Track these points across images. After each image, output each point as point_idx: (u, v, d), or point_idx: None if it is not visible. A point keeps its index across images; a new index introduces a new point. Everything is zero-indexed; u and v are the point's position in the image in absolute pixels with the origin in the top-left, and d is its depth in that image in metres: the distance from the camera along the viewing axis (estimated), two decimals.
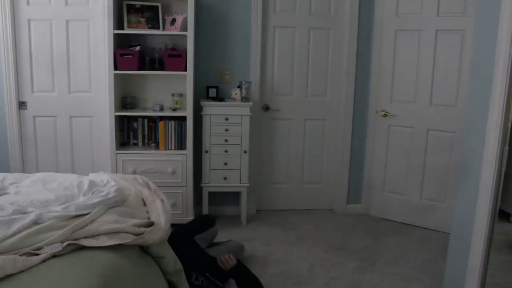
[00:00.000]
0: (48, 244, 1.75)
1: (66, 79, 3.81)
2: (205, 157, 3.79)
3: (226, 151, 3.78)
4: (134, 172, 3.59)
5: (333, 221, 4.09)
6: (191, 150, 3.71)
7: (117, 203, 2.21)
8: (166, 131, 3.73)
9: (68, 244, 1.78)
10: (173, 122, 3.71)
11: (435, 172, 3.86)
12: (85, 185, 2.32)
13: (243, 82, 3.78)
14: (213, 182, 3.83)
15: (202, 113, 3.72)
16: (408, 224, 4.03)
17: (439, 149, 3.82)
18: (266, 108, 4.11)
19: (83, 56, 3.78)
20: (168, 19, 3.63)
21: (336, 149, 4.24)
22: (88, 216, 1.97)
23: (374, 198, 4.23)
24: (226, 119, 3.73)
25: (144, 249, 2.09)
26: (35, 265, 1.64)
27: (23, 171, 3.80)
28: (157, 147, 3.73)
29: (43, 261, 1.67)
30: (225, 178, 3.82)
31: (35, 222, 1.83)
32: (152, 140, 3.78)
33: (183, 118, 3.70)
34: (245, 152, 3.79)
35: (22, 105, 3.81)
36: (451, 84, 3.70)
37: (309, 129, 4.21)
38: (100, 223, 1.95)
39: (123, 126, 3.81)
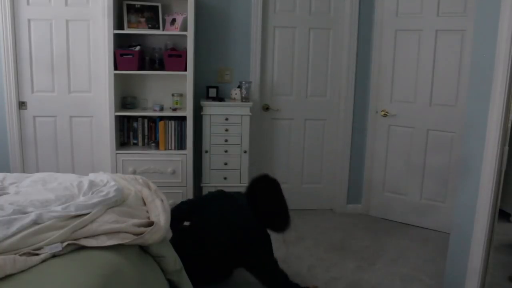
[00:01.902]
0: (48, 244, 1.75)
1: (66, 79, 3.81)
2: (205, 157, 3.79)
3: (226, 151, 3.78)
4: (134, 172, 3.60)
5: (333, 221, 4.09)
6: (191, 150, 3.71)
7: (117, 203, 2.21)
8: (166, 131, 3.73)
9: (68, 244, 1.78)
10: (173, 122, 3.72)
11: (435, 172, 3.86)
12: (85, 185, 2.32)
13: (243, 82, 3.78)
14: (213, 182, 3.83)
15: (202, 113, 3.73)
16: (408, 224, 4.03)
17: (439, 149, 3.82)
18: (266, 108, 4.11)
19: (83, 56, 3.78)
20: (168, 19, 3.63)
21: (336, 149, 4.24)
22: (88, 216, 1.96)
23: (374, 198, 4.23)
24: (226, 119, 3.74)
25: (144, 249, 2.09)
26: (35, 265, 1.63)
27: (23, 171, 3.80)
28: (157, 147, 3.73)
29: (43, 261, 1.67)
30: (225, 178, 3.82)
31: (35, 222, 1.83)
32: (152, 140, 3.78)
33: (183, 118, 3.70)
34: (245, 152, 3.79)
35: (22, 105, 3.81)
36: (451, 84, 3.70)
37: (309, 129, 4.21)
38: (100, 223, 1.95)
39: (123, 126, 3.81)
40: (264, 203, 2.70)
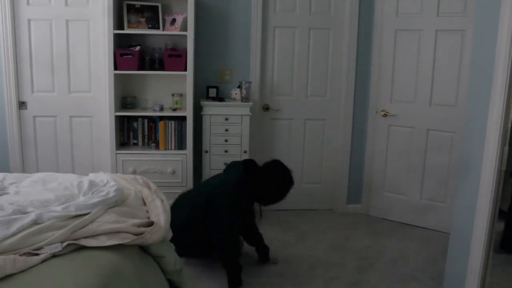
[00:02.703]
0: (48, 244, 1.74)
1: (66, 79, 3.81)
2: (205, 157, 3.79)
3: (226, 151, 3.78)
4: (134, 172, 3.59)
5: (333, 221, 4.09)
6: (191, 150, 3.71)
7: (117, 203, 2.21)
8: (166, 131, 3.73)
9: (68, 244, 1.78)
10: (173, 122, 3.72)
11: (435, 172, 3.86)
12: (85, 185, 2.31)
13: (243, 82, 3.78)
14: None
15: (202, 113, 3.73)
16: (408, 224, 4.03)
17: (439, 149, 3.82)
18: (266, 108, 4.11)
19: (83, 56, 3.79)
20: (168, 19, 3.64)
21: (336, 149, 4.24)
22: (88, 216, 1.96)
23: (374, 198, 4.23)
24: (226, 119, 3.74)
25: (144, 249, 2.09)
26: (35, 265, 1.63)
27: (23, 171, 3.80)
28: (157, 147, 3.73)
29: (43, 261, 1.67)
30: None
31: (35, 222, 1.83)
32: (152, 140, 3.78)
33: (183, 118, 3.70)
34: (245, 152, 3.79)
35: (22, 105, 3.81)
36: (451, 84, 3.70)
37: (309, 129, 4.21)
38: (100, 223, 1.95)
39: (123, 126, 3.81)
40: (267, 180, 2.97)
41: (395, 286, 2.99)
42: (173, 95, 3.79)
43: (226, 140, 3.76)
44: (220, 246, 2.87)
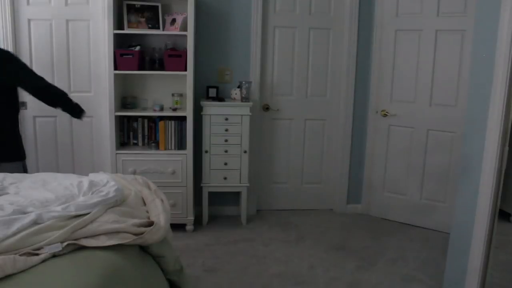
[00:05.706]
0: (48, 244, 1.74)
1: (66, 79, 3.81)
2: (205, 157, 3.79)
3: (226, 151, 3.78)
4: (134, 172, 3.59)
5: (333, 221, 4.09)
6: (191, 150, 3.71)
7: (117, 203, 2.21)
8: (166, 131, 3.73)
9: (68, 244, 1.78)
10: (173, 122, 3.72)
11: (435, 172, 3.86)
12: (85, 185, 2.31)
13: (243, 82, 3.78)
14: (213, 182, 3.83)
15: (202, 113, 3.73)
16: (408, 224, 4.04)
17: (439, 149, 3.82)
18: (266, 108, 4.11)
19: (83, 56, 3.79)
20: (168, 19, 3.64)
21: (336, 149, 4.24)
22: (88, 216, 1.96)
23: (374, 198, 4.24)
24: (226, 119, 3.74)
25: (144, 249, 2.09)
26: (35, 265, 1.63)
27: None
28: (157, 147, 3.73)
29: (43, 261, 1.67)
30: (225, 178, 3.82)
31: (35, 222, 1.83)
32: (152, 140, 3.78)
33: (183, 118, 3.70)
34: (245, 152, 3.79)
35: (22, 105, 3.80)
36: (451, 84, 3.70)
37: (309, 129, 4.21)
38: (100, 223, 1.95)
39: (123, 126, 3.81)
40: None
41: (395, 286, 2.99)
42: (173, 95, 3.79)
43: (226, 140, 3.76)
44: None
